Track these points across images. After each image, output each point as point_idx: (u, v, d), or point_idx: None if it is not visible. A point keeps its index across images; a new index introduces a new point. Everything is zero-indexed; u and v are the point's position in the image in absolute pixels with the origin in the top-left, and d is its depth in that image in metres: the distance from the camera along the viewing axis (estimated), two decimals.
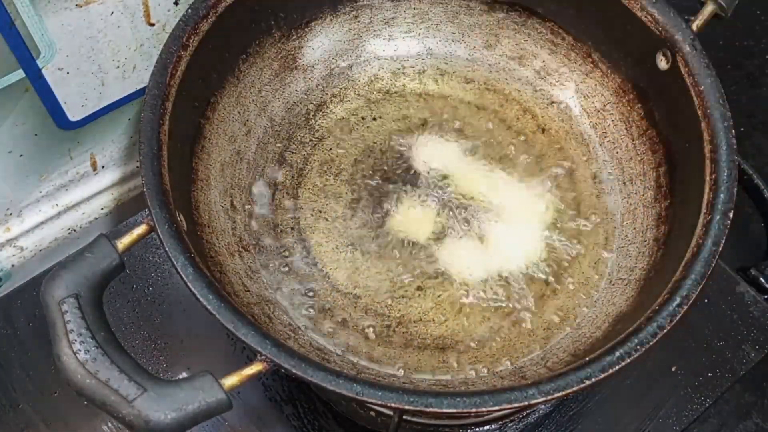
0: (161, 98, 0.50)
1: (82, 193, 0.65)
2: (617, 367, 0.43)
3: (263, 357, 0.42)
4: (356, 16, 0.65)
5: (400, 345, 0.54)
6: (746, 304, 0.65)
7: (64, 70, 0.54)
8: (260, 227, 0.58)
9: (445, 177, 0.60)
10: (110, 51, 0.56)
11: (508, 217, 0.59)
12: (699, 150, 0.51)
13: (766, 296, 0.67)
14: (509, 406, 0.42)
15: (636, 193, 0.59)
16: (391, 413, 0.54)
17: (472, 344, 0.54)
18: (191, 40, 0.53)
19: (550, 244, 0.58)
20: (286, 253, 0.57)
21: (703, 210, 0.49)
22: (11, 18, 0.48)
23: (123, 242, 0.46)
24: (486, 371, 0.53)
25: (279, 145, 0.62)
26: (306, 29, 0.64)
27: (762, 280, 0.68)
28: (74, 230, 0.66)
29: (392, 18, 0.66)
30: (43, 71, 0.53)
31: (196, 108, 0.56)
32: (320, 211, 0.59)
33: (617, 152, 0.61)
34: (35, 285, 0.65)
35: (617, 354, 0.43)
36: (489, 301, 0.55)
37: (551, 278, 0.56)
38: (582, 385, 0.42)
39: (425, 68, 0.66)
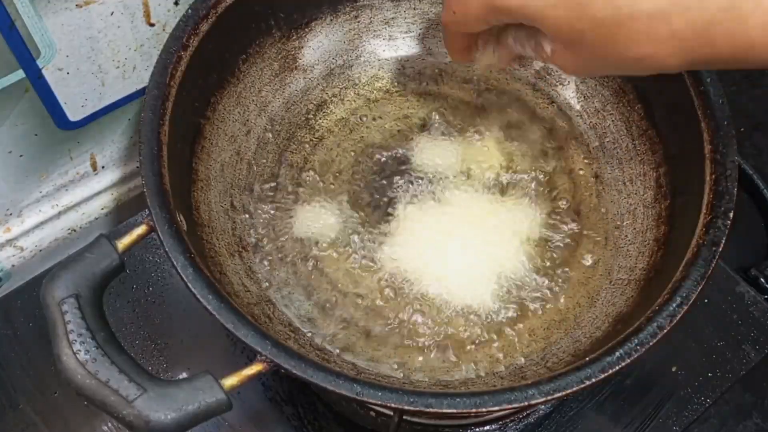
0: (161, 98, 0.50)
1: (82, 193, 0.65)
2: (617, 367, 0.43)
3: (263, 357, 0.42)
4: (356, 16, 0.65)
5: (400, 345, 0.54)
6: (746, 304, 0.65)
7: (64, 70, 0.54)
8: (260, 227, 0.58)
9: (445, 177, 0.60)
10: (110, 51, 0.56)
11: (509, 217, 0.58)
12: (699, 150, 0.51)
13: (766, 296, 0.67)
14: (509, 406, 0.42)
15: (636, 193, 0.59)
16: (391, 413, 0.54)
17: (472, 344, 0.54)
18: (191, 40, 0.53)
19: (550, 244, 0.58)
20: (286, 254, 0.57)
21: (703, 210, 0.49)
22: (11, 18, 0.48)
23: (123, 242, 0.46)
24: (486, 371, 0.53)
25: (279, 145, 0.62)
26: (306, 29, 0.64)
27: (762, 280, 0.68)
28: (74, 230, 0.66)
29: (392, 18, 0.66)
30: (43, 71, 0.53)
31: (196, 108, 0.56)
32: (320, 212, 0.59)
33: (617, 152, 0.61)
34: (35, 285, 0.65)
35: (617, 354, 0.44)
36: (489, 301, 0.55)
37: (551, 278, 0.56)
38: (582, 386, 0.42)
39: (425, 68, 0.66)
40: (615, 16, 0.39)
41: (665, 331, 0.44)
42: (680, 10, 0.38)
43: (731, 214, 0.48)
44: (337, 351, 0.53)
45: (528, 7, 0.42)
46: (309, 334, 0.54)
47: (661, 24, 0.39)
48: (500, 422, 0.61)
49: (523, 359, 0.53)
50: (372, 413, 0.59)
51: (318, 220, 0.59)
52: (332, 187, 0.60)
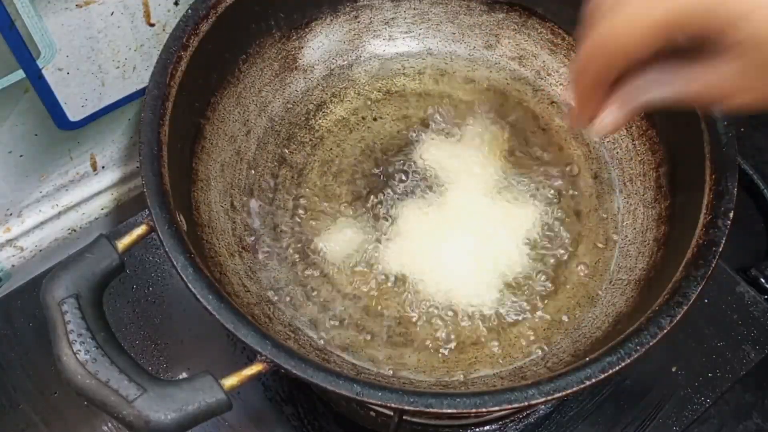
0: (161, 98, 0.50)
1: (82, 193, 0.65)
2: (617, 368, 0.43)
3: (263, 357, 0.42)
4: (356, 17, 0.65)
5: (400, 345, 0.54)
6: (746, 304, 0.65)
7: (64, 70, 0.54)
8: (260, 228, 0.58)
9: (445, 177, 0.60)
10: (110, 51, 0.56)
11: (509, 217, 0.58)
12: (699, 150, 0.51)
13: (766, 296, 0.67)
14: (509, 406, 0.42)
15: (636, 194, 0.59)
16: (391, 413, 0.54)
17: (472, 344, 0.54)
18: (191, 41, 0.53)
19: (550, 244, 0.58)
20: (286, 254, 0.57)
21: (703, 210, 0.49)
22: (11, 18, 0.48)
23: (123, 242, 0.46)
24: (486, 371, 0.53)
25: (279, 145, 0.62)
26: (306, 29, 0.64)
27: (762, 280, 0.68)
28: (74, 230, 0.66)
29: (392, 18, 0.66)
30: (43, 71, 0.53)
31: (196, 108, 0.56)
32: (320, 212, 0.59)
33: (617, 152, 0.61)
34: (35, 285, 0.65)
35: (617, 354, 0.43)
36: (489, 301, 0.55)
37: (551, 278, 0.56)
38: (582, 386, 0.42)
39: (425, 68, 0.66)
40: None
41: (665, 331, 0.44)
42: None
43: (731, 214, 0.48)
44: (337, 351, 0.53)
45: (727, 3, 0.35)
46: (309, 334, 0.54)
47: None
48: (500, 422, 0.61)
49: (523, 359, 0.53)
50: (372, 413, 0.59)
51: (318, 220, 0.59)
52: (332, 187, 0.60)
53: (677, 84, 0.39)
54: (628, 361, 0.43)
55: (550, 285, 0.56)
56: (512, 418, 0.61)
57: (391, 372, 0.52)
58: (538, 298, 0.56)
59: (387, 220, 0.58)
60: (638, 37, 0.37)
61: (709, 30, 0.36)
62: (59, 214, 0.65)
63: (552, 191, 0.60)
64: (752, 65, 0.36)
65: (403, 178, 0.60)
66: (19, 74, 0.51)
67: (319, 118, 0.63)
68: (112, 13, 0.54)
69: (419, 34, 0.67)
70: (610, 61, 0.39)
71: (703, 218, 0.49)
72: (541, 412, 0.62)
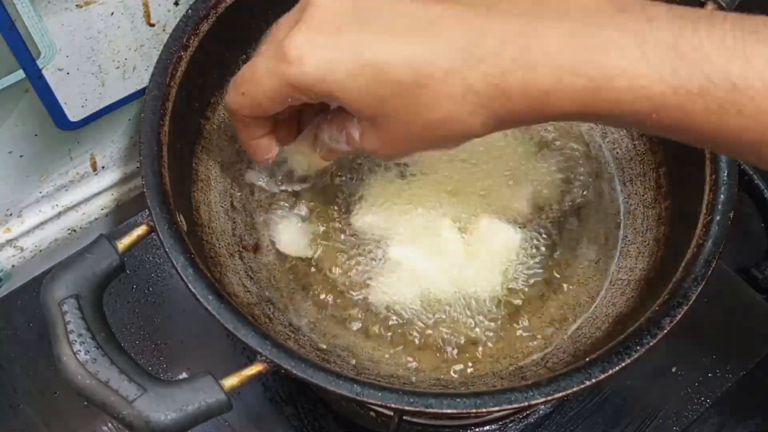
0: (161, 99, 0.50)
1: (82, 194, 0.65)
2: (617, 368, 0.43)
3: (263, 358, 0.42)
4: None
5: (401, 345, 0.54)
6: (746, 304, 0.66)
7: (64, 70, 0.54)
8: (260, 227, 0.58)
9: (445, 177, 0.60)
10: (110, 51, 0.56)
11: (508, 216, 0.58)
12: (699, 150, 0.51)
13: (766, 296, 0.67)
14: (509, 406, 0.42)
15: (636, 194, 0.59)
16: (391, 414, 0.54)
17: (473, 344, 0.54)
18: (191, 41, 0.53)
19: (550, 244, 0.58)
20: (287, 254, 0.57)
21: (703, 210, 0.49)
22: (11, 19, 0.48)
23: (123, 243, 0.46)
24: (486, 371, 0.53)
25: None
26: None
27: (762, 280, 0.68)
28: (74, 230, 0.66)
29: None
30: (44, 72, 0.53)
31: (196, 108, 0.56)
32: (320, 211, 0.59)
33: (617, 152, 0.61)
34: (35, 285, 0.65)
35: (617, 354, 0.44)
36: (489, 301, 0.55)
37: (551, 278, 0.56)
38: (582, 386, 0.42)
39: None
40: (415, 77, 0.38)
41: (665, 331, 0.44)
42: (474, 63, 0.37)
43: (731, 214, 0.48)
44: (337, 351, 0.53)
45: (327, 81, 0.39)
46: (309, 335, 0.54)
47: (457, 79, 0.37)
48: (500, 422, 0.61)
49: (523, 359, 0.53)
50: (372, 413, 0.59)
51: (318, 220, 0.58)
52: (332, 187, 0.60)
53: (344, 142, 0.45)
54: (628, 361, 0.43)
55: (549, 285, 0.56)
56: (512, 418, 0.61)
57: (391, 372, 0.53)
58: (537, 298, 0.56)
59: (387, 220, 0.58)
60: (263, 99, 0.43)
61: (325, 95, 0.40)
62: (59, 215, 0.65)
63: (552, 191, 0.60)
64: (369, 126, 0.42)
65: (404, 176, 0.60)
66: (19, 74, 0.51)
67: None
68: (112, 13, 0.54)
69: None
70: (251, 110, 0.44)
71: (703, 218, 0.49)
72: (541, 412, 0.62)
